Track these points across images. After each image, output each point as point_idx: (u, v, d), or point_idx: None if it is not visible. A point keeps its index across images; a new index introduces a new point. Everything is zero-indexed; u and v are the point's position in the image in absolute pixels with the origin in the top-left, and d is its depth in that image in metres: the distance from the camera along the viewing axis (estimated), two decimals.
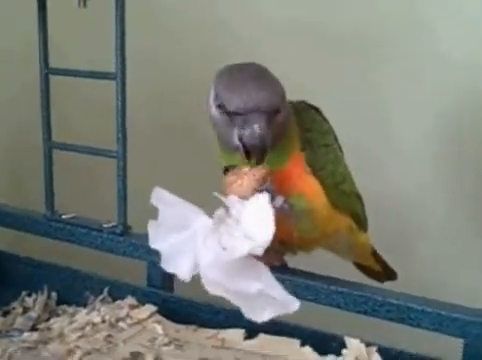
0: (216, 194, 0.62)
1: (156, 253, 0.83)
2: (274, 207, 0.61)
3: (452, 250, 1.11)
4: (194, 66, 1.17)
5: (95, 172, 1.13)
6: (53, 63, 0.90)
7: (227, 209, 0.61)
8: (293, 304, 0.58)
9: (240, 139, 0.64)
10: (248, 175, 0.62)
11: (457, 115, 1.06)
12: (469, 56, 1.04)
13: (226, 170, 0.67)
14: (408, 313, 0.71)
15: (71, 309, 0.85)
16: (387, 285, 0.85)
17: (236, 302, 0.58)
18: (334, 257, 0.84)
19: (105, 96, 0.89)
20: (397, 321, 0.72)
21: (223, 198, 0.61)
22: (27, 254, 0.95)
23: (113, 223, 0.89)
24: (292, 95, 0.70)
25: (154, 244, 0.62)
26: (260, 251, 0.57)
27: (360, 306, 0.73)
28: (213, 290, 0.58)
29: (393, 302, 0.72)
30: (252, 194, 0.61)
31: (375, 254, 0.84)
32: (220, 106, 0.65)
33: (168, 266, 0.61)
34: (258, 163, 0.64)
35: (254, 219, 0.58)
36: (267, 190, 0.61)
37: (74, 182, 1.21)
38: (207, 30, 1.17)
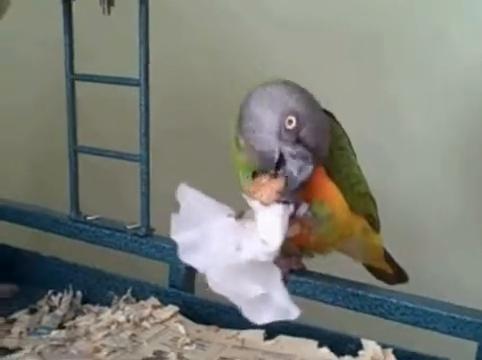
0: (244, 196, 0.64)
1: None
2: (298, 215, 0.63)
3: (462, 249, 1.12)
4: (218, 70, 1.19)
5: (118, 174, 1.15)
6: (76, 67, 0.93)
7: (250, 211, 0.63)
8: (294, 312, 0.60)
9: (282, 164, 0.65)
10: (266, 187, 0.64)
11: (468, 113, 1.07)
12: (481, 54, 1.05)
13: (254, 174, 0.69)
14: (423, 316, 0.73)
15: (96, 308, 0.88)
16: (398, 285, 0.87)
17: (236, 303, 0.61)
18: (346, 259, 0.85)
19: (128, 98, 0.92)
20: (412, 324, 0.74)
21: (249, 201, 0.64)
22: (52, 254, 0.98)
23: (136, 225, 0.92)
24: None
25: (174, 235, 0.64)
26: (265, 258, 0.59)
27: (376, 309, 0.75)
28: (216, 289, 0.60)
29: (408, 305, 0.74)
30: (273, 202, 0.63)
31: (387, 256, 0.86)
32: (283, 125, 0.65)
33: (185, 257, 0.63)
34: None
35: (266, 227, 0.61)
36: (289, 200, 0.64)
37: (97, 183, 1.23)
38: (231, 34, 1.19)
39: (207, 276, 0.61)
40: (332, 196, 0.71)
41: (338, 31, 1.10)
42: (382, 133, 1.13)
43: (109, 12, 0.87)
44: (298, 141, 0.65)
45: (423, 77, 1.09)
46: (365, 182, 0.77)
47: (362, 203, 0.76)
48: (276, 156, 0.65)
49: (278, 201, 0.63)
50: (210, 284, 0.61)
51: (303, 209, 0.66)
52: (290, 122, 0.65)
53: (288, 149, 0.65)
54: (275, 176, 0.65)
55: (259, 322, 0.61)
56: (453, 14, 1.04)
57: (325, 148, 0.67)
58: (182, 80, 1.23)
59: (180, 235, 0.64)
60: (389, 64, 1.10)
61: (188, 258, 0.63)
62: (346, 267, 0.83)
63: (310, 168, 0.64)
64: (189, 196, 0.64)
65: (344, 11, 1.10)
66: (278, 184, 0.64)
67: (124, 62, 0.98)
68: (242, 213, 0.63)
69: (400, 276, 0.88)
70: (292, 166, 0.64)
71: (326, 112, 0.73)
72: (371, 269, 0.89)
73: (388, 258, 0.86)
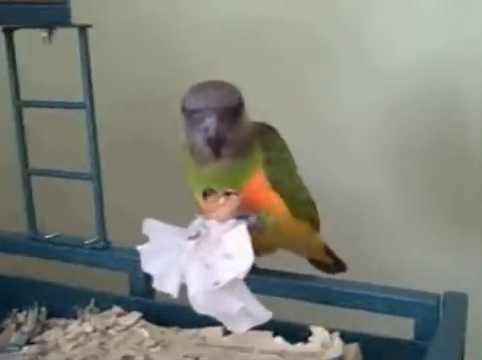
0: (197, 215, 0.70)
1: (137, 264, 0.91)
2: (249, 226, 0.70)
3: (403, 248, 1.20)
4: (164, 82, 1.23)
5: (69, 188, 1.18)
6: (24, 93, 0.96)
7: (207, 229, 0.69)
8: (266, 316, 0.67)
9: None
10: (224, 207, 0.71)
11: (405, 114, 1.15)
12: (416, 51, 1.12)
13: (205, 194, 0.75)
14: (364, 299, 0.81)
15: (62, 321, 0.91)
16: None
17: (220, 319, 0.67)
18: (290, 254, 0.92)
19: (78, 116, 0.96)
20: (354, 307, 0.81)
21: (202, 220, 0.70)
22: (13, 273, 1.01)
23: (94, 239, 0.96)
24: None
25: (146, 268, 0.70)
26: (242, 277, 0.66)
27: (322, 297, 0.83)
28: (202, 311, 0.66)
29: (350, 291, 0.81)
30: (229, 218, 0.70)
31: (327, 249, 0.93)
32: (182, 109, 0.73)
33: (160, 286, 0.69)
34: (216, 156, 0.71)
35: (233, 244, 0.67)
36: (244, 214, 0.71)
37: (49, 198, 1.26)
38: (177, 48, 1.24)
39: (191, 301, 0.66)
40: (276, 205, 0.78)
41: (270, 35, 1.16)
42: (322, 137, 1.20)
43: (50, 41, 0.91)
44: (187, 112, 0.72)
45: (362, 78, 1.16)
46: (306, 189, 0.85)
47: (304, 209, 0.83)
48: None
49: (234, 217, 0.70)
50: (196, 308, 0.66)
51: (252, 220, 0.73)
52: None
53: None
54: (228, 195, 0.72)
55: (240, 331, 0.68)
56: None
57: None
58: (127, 91, 1.26)
59: (151, 266, 0.70)
60: (331, 65, 1.16)
61: (163, 286, 0.69)
62: (288, 259, 0.90)
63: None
64: (154, 228, 0.70)
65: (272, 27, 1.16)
66: (234, 203, 0.71)
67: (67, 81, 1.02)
68: (198, 233, 0.69)
69: (339, 266, 0.96)
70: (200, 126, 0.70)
71: (269, 127, 0.81)
72: (312, 261, 0.97)
73: (328, 251, 0.94)
